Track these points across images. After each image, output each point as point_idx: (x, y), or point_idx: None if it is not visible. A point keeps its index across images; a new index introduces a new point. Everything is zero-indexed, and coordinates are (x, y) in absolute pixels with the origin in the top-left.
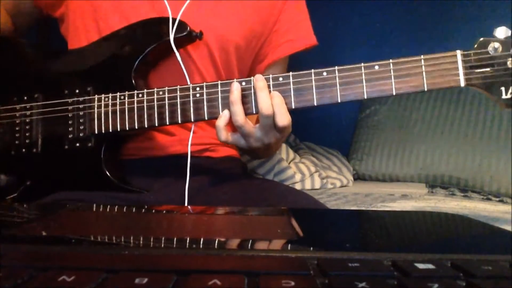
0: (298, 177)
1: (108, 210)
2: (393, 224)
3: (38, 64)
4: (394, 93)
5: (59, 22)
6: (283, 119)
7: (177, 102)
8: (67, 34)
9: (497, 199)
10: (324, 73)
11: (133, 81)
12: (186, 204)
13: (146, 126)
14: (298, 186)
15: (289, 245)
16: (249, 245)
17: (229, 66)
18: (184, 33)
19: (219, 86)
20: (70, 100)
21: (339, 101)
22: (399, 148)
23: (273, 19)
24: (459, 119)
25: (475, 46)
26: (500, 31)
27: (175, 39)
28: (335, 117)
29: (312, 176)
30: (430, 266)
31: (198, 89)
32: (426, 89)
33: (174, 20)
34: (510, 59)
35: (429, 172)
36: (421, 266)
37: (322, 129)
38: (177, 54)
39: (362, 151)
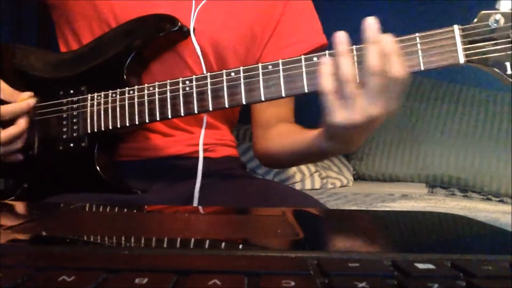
0: (298, 177)
1: (108, 210)
2: (393, 224)
3: (35, 68)
4: None
5: (50, 8)
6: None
7: (167, 96)
8: (59, 23)
9: (497, 199)
10: (315, 59)
11: (126, 78)
12: (195, 204)
13: (137, 123)
14: (298, 186)
15: (289, 245)
16: (249, 245)
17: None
18: (175, 28)
19: (209, 78)
20: (64, 101)
21: None
22: (399, 148)
23: (273, 22)
24: (459, 119)
25: (475, 20)
26: (505, 4)
27: (165, 36)
28: None
29: (312, 176)
30: (430, 266)
31: (187, 82)
32: (422, 68)
33: (163, 16)
34: None
35: (429, 172)
36: (421, 266)
37: None
38: (195, 43)
39: (362, 151)
